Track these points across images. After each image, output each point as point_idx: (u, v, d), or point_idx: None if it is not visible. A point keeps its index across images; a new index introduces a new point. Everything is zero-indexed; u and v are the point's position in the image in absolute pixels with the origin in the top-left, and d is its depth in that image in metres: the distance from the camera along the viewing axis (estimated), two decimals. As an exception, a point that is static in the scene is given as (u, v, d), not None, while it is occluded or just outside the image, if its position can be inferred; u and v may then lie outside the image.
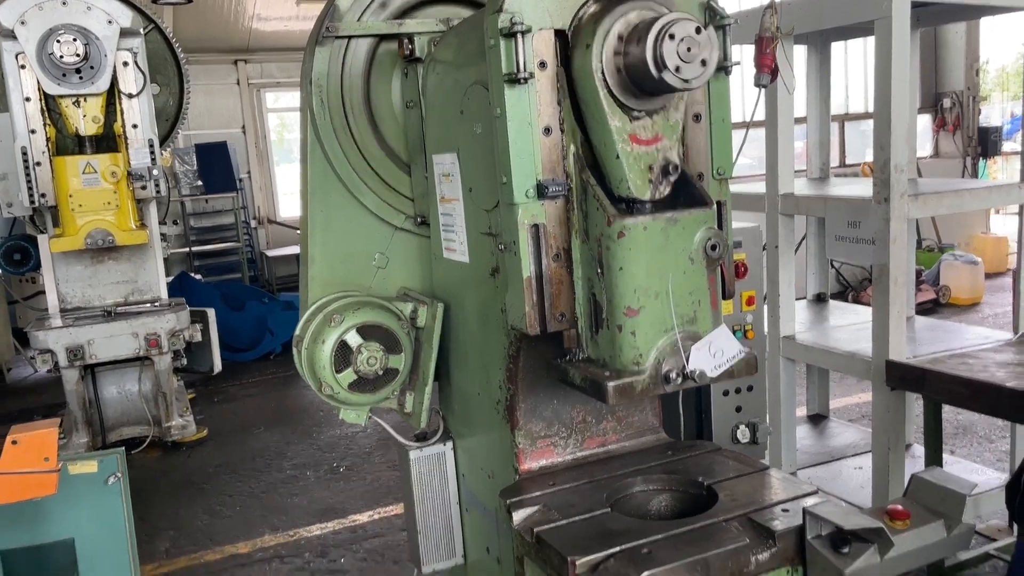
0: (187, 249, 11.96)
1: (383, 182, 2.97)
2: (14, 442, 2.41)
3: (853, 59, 11.14)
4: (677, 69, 1.91)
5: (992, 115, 14.66)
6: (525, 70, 2.05)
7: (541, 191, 2.15)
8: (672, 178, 2.10)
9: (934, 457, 3.33)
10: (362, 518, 4.70)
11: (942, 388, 3.16)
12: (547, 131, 2.15)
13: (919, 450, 4.31)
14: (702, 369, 2.10)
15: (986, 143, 11.70)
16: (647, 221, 2.04)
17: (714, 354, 2.13)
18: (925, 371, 3.22)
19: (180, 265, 11.68)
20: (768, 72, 3.23)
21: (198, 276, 10.31)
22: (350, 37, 2.84)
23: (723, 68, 2.28)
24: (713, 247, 2.10)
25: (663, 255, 2.06)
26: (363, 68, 2.88)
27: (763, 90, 3.31)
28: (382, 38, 2.87)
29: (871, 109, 11.79)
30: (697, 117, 2.30)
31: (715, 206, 2.14)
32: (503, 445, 2.65)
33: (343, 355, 2.78)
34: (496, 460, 2.73)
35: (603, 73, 2.00)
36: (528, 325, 2.22)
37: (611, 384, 2.06)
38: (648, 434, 2.75)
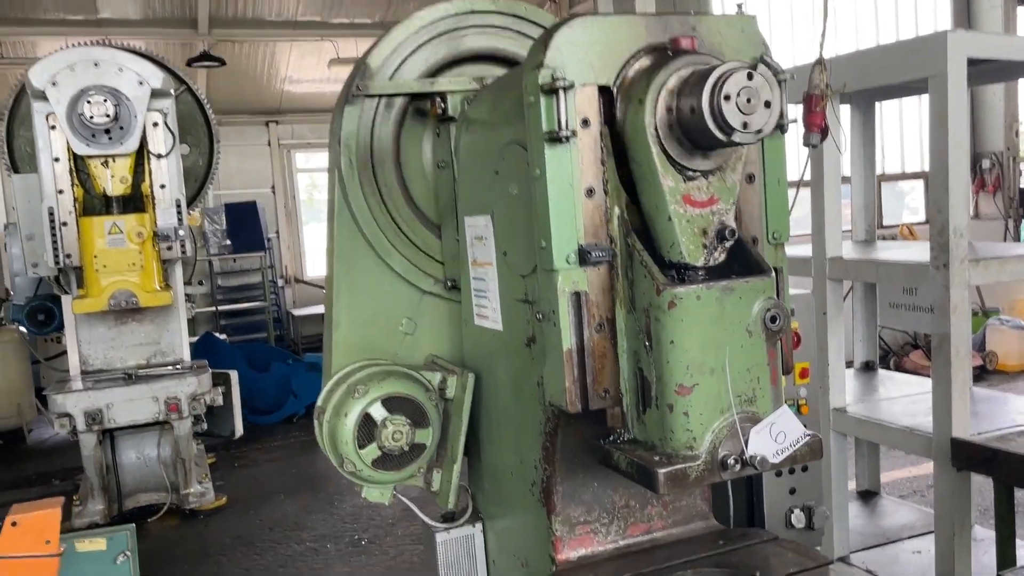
0: (213, 309, 11.91)
1: (412, 244, 2.83)
2: (14, 523, 2.24)
3: (888, 119, 10.99)
4: (744, 126, 1.76)
5: (1027, 176, 14.40)
6: (567, 128, 1.91)
7: (583, 257, 1.99)
8: (728, 244, 1.93)
9: (1007, 546, 3.06)
10: (384, 597, 4.46)
11: (1015, 470, 2.91)
12: (590, 192, 2.00)
13: (981, 532, 4.01)
14: (763, 455, 1.90)
15: (1027, 204, 11.45)
16: (700, 290, 1.86)
17: (776, 437, 1.93)
18: (996, 451, 2.97)
19: (207, 325, 11.63)
20: (818, 131, 3.07)
21: (223, 336, 10.22)
22: (381, 96, 2.73)
23: (779, 126, 2.13)
24: (773, 319, 1.91)
25: (718, 327, 1.88)
26: (393, 127, 2.77)
27: (811, 150, 3.15)
28: (413, 97, 2.75)
29: (907, 169, 11.66)
30: (751, 178, 2.14)
31: (773, 275, 1.96)
32: (538, 531, 2.43)
33: (367, 429, 2.60)
34: (530, 547, 2.51)
35: (656, 130, 1.85)
36: (568, 402, 2.03)
37: (662, 471, 1.86)
38: (697, 520, 2.52)
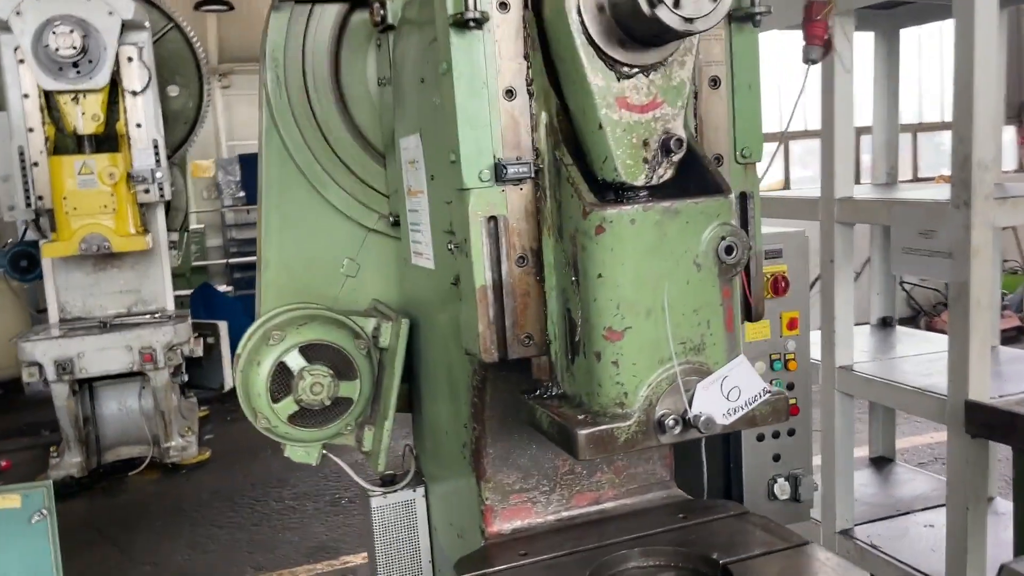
0: (225, 261, 11.74)
1: (353, 175, 2.51)
2: None
3: (927, 61, 10.26)
4: (675, 3, 1.38)
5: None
6: (476, 9, 1.55)
7: (499, 173, 1.64)
8: (675, 157, 1.56)
9: (1027, 523, 2.68)
10: (355, 559, 4.21)
11: (1037, 438, 2.52)
12: (509, 94, 1.65)
13: (1003, 505, 3.64)
14: (709, 414, 1.56)
15: (1075, 158, 10.76)
16: (636, 212, 1.51)
17: (728, 394, 1.59)
18: (1015, 416, 2.58)
19: (220, 278, 11.45)
20: (820, 44, 2.66)
21: (229, 288, 10.02)
22: (313, 1, 2.39)
23: (749, 16, 1.75)
24: (728, 249, 1.55)
25: (657, 258, 1.53)
26: (331, 40, 2.44)
27: (810, 67, 2.75)
28: (353, 5, 2.40)
29: (948, 118, 10.98)
30: (715, 81, 1.77)
31: (732, 196, 1.59)
32: (471, 498, 2.12)
33: (282, 380, 2.29)
34: (465, 516, 2.20)
35: (579, 11, 1.48)
36: (483, 349, 1.70)
37: (582, 432, 1.53)
38: (656, 490, 2.18)
